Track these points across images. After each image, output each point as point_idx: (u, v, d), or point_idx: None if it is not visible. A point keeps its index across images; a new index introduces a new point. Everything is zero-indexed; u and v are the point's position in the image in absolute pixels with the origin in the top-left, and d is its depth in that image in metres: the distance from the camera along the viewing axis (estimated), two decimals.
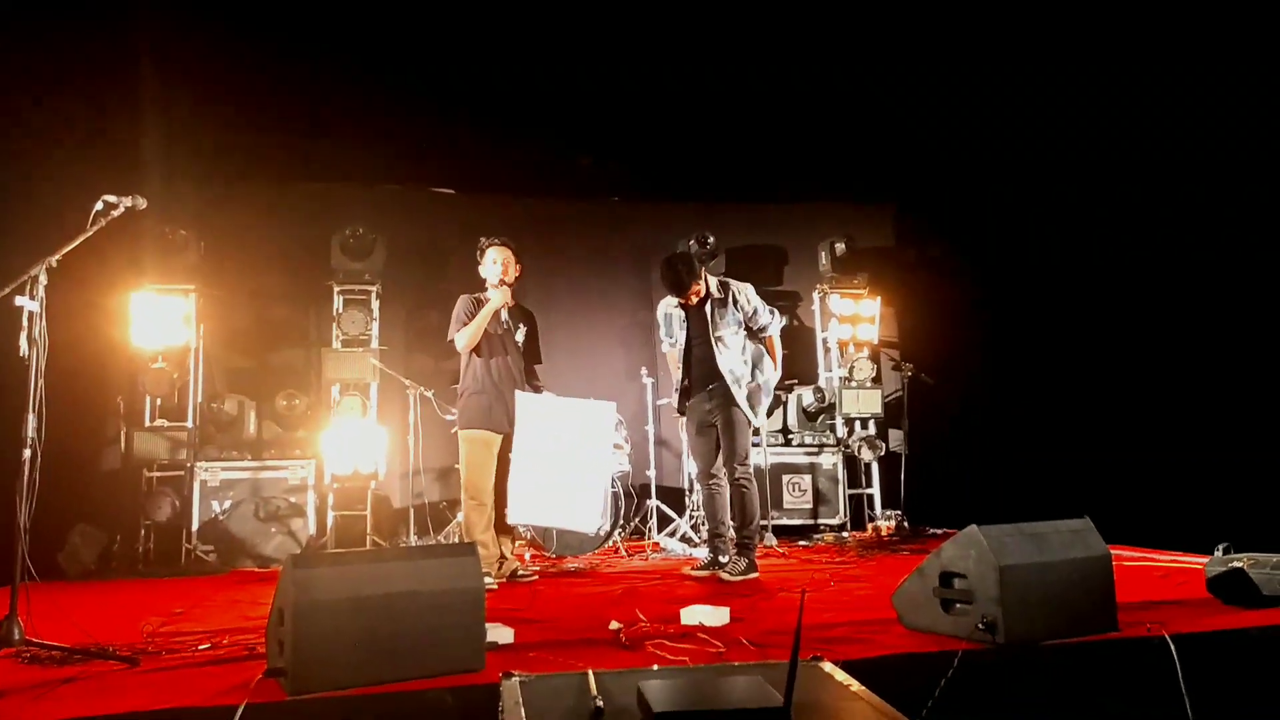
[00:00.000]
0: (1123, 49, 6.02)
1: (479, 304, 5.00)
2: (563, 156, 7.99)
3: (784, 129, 7.63)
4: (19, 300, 2.98)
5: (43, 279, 3.04)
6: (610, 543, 6.14)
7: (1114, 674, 2.92)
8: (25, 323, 2.99)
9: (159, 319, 6.56)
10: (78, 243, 3.20)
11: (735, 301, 4.96)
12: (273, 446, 6.77)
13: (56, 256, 3.11)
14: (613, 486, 6.06)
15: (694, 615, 3.48)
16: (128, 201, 3.32)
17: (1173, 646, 2.86)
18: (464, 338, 4.93)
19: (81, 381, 6.21)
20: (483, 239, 5.13)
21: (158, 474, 6.46)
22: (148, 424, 6.59)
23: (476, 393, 4.94)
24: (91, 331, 6.36)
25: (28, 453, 2.97)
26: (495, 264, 5.02)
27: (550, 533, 5.95)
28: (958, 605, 3.06)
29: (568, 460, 4.73)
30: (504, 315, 5.05)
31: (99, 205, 3.28)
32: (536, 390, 5.06)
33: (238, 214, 7.38)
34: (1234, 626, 3.12)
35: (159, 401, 6.69)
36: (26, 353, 2.99)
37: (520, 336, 5.12)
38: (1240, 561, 3.51)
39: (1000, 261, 7.26)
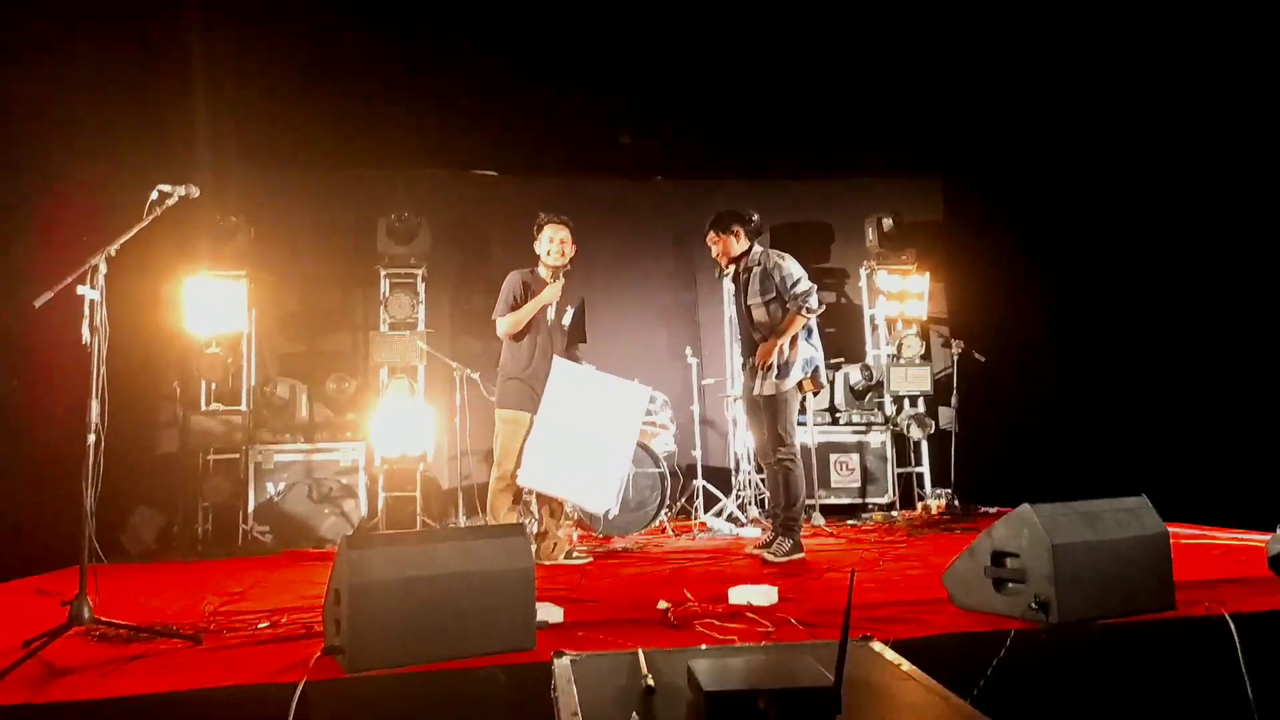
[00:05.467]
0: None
1: (527, 288, 4.89)
2: (604, 136, 8.00)
3: (828, 102, 7.53)
4: (80, 289, 3.04)
5: (102, 268, 3.10)
6: (657, 523, 6.17)
7: (1171, 654, 2.87)
8: (86, 311, 3.05)
9: (212, 304, 6.68)
10: (135, 232, 3.25)
11: (767, 270, 4.84)
12: (324, 429, 6.89)
13: (115, 246, 3.16)
14: (659, 466, 6.08)
15: (742, 595, 3.47)
16: (182, 190, 3.37)
17: (1233, 626, 2.81)
18: (506, 325, 4.85)
19: (138, 367, 6.37)
20: (541, 214, 4.99)
21: (214, 457, 6.60)
22: (203, 408, 6.73)
23: (516, 376, 4.87)
24: (147, 318, 6.49)
25: (92, 438, 3.04)
26: (552, 241, 4.90)
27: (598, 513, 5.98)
28: (1010, 584, 3.02)
29: (591, 437, 4.66)
30: (551, 307, 4.97)
31: (154, 195, 3.34)
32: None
33: (286, 200, 7.53)
34: None
35: (214, 386, 6.84)
36: (88, 340, 3.06)
37: (567, 319, 5.04)
38: None
39: (1051, 234, 7.09)
